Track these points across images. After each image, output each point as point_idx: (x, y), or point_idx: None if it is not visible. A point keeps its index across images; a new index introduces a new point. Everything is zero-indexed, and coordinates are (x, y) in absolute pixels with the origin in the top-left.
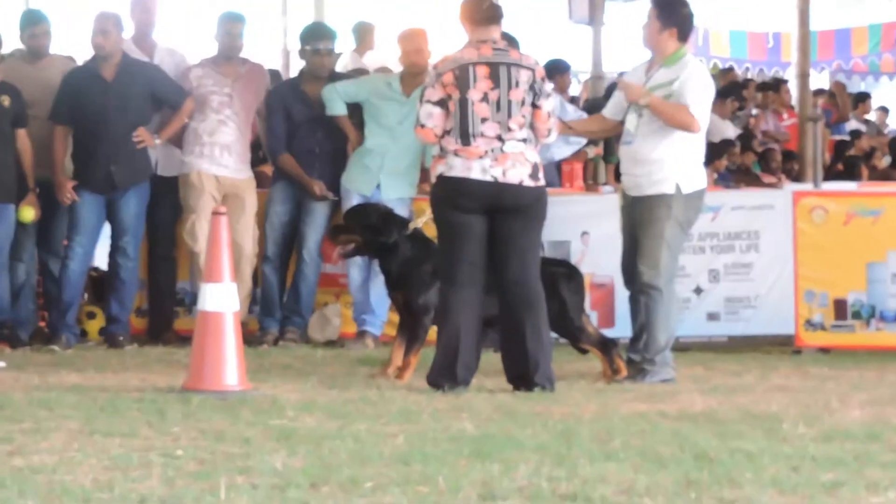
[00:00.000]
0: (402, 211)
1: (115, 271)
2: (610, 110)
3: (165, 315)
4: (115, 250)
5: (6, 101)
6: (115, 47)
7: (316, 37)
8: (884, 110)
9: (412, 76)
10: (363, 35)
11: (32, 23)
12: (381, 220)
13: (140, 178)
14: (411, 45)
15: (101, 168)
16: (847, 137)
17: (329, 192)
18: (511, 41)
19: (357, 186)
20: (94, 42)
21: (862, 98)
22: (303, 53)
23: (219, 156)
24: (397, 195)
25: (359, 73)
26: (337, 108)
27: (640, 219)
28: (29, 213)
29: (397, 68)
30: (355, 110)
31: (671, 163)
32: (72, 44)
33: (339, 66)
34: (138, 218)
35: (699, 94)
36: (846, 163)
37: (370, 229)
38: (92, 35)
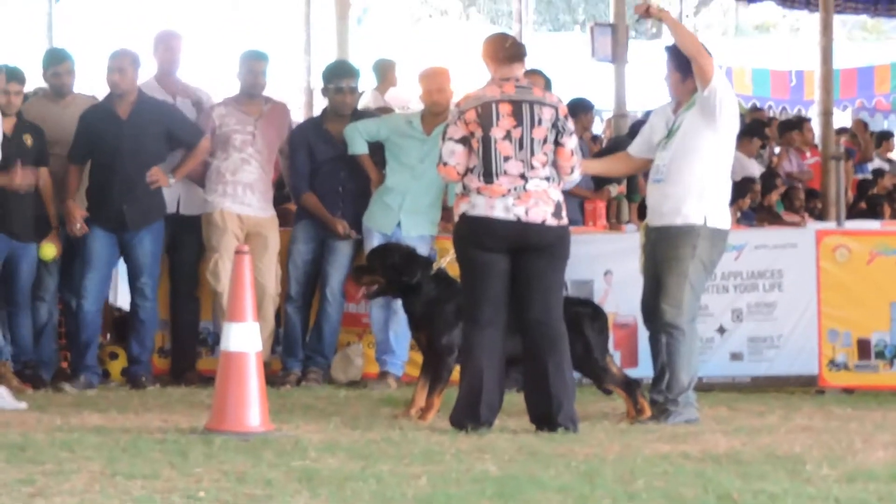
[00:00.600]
0: (422, 249)
1: (134, 312)
2: (636, 148)
3: (188, 355)
4: (133, 291)
5: (28, 139)
6: (131, 85)
7: (338, 75)
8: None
9: (433, 115)
10: (384, 72)
11: (56, 61)
12: (403, 259)
13: (153, 218)
14: (433, 83)
15: (113, 207)
16: (870, 176)
17: (352, 230)
18: (543, 79)
19: (378, 225)
20: (110, 80)
21: (885, 136)
22: (325, 92)
23: (242, 194)
24: (418, 233)
25: (382, 111)
26: (358, 147)
27: (663, 257)
28: (50, 251)
29: (418, 105)
30: (377, 149)
31: (699, 198)
32: (95, 83)
33: (362, 105)
34: (154, 257)
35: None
36: (869, 201)
37: (393, 269)
38: (108, 73)
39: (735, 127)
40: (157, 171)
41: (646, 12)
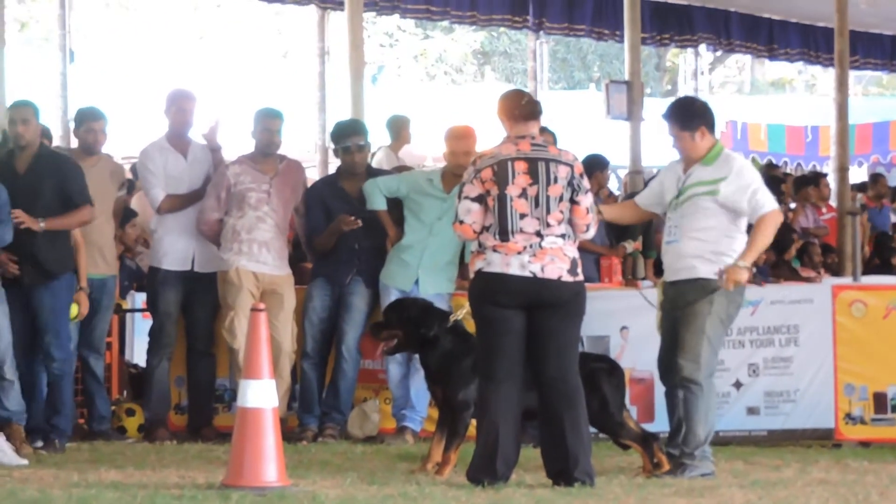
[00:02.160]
0: (441, 306)
1: (38, 375)
2: (644, 200)
3: (205, 411)
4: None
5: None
6: (34, 137)
7: (345, 135)
8: None
9: (455, 175)
10: (399, 129)
11: (92, 118)
12: (421, 313)
13: (51, 274)
14: (461, 146)
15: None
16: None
17: (356, 219)
18: (550, 136)
19: (395, 282)
20: (12, 132)
21: None
22: (335, 152)
23: (257, 252)
24: (436, 291)
25: (399, 170)
26: (377, 202)
27: (681, 313)
28: (74, 310)
29: (431, 162)
30: (394, 206)
31: (714, 254)
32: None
33: (375, 163)
34: (55, 313)
35: (765, 189)
36: (883, 257)
37: (411, 323)
38: (10, 125)
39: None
40: (20, 212)
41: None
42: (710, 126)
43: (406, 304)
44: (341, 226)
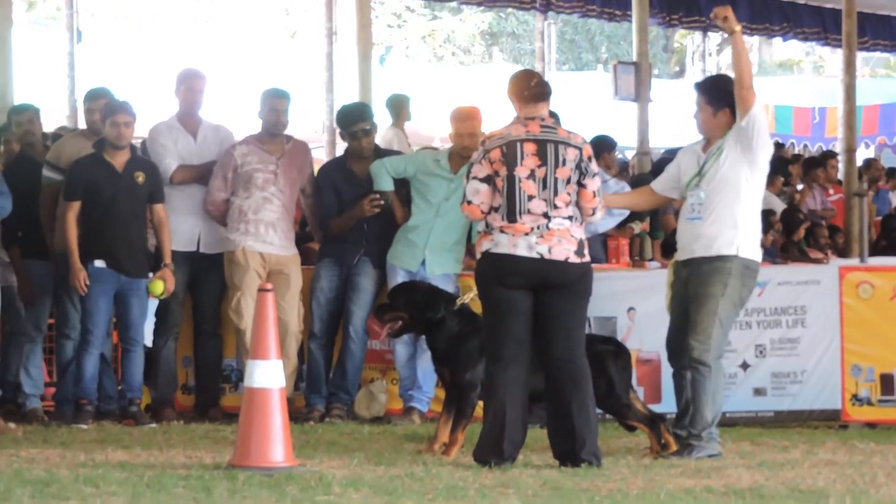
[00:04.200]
0: (447, 287)
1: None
2: (661, 185)
3: (212, 392)
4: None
5: (140, 177)
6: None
7: (350, 120)
8: None
9: (461, 156)
10: (398, 108)
11: (99, 97)
12: (426, 296)
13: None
14: (466, 127)
15: None
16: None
17: (377, 200)
18: (553, 117)
19: (402, 262)
20: (114, 132)
21: None
22: (342, 136)
23: (264, 233)
24: (442, 271)
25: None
26: (384, 183)
27: (694, 293)
28: (159, 287)
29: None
30: (402, 186)
31: (733, 232)
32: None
33: (384, 143)
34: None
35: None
36: (892, 238)
37: (416, 306)
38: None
39: (768, 158)
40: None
41: (725, 19)
42: (734, 109)
43: (411, 287)
44: (365, 207)
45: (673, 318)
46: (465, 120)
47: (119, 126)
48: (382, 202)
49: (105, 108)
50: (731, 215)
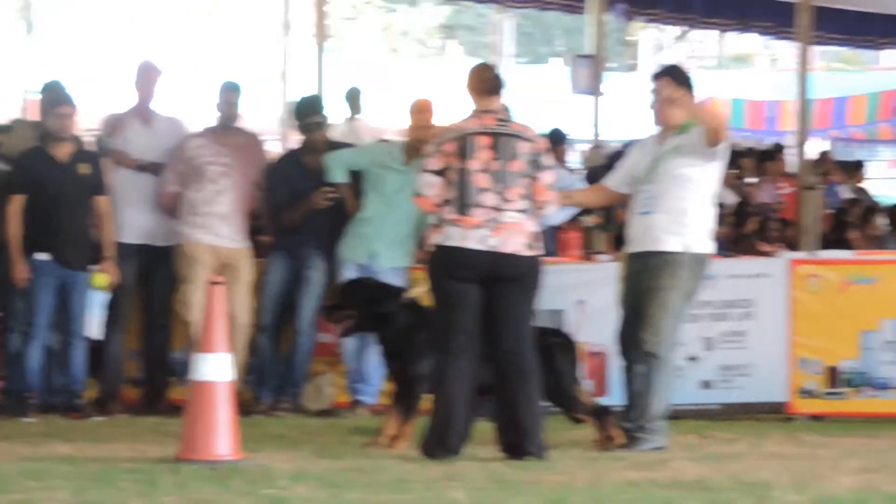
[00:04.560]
0: (398, 280)
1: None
2: (615, 181)
3: (159, 384)
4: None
5: (85, 169)
6: None
7: (304, 113)
8: None
9: (415, 148)
10: (356, 101)
11: (57, 103)
12: (375, 292)
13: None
14: (420, 119)
15: None
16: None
17: (330, 193)
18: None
19: (353, 255)
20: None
21: (857, 166)
22: (296, 128)
23: (215, 226)
24: (392, 264)
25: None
26: (338, 175)
27: (645, 287)
28: (101, 279)
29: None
30: (354, 178)
31: (683, 226)
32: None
33: (336, 134)
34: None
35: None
36: (840, 231)
37: (365, 303)
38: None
39: (726, 156)
40: None
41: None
42: (693, 98)
43: (360, 285)
44: (318, 199)
45: (624, 310)
46: (421, 112)
47: (62, 117)
48: (334, 195)
49: (47, 100)
50: (682, 209)
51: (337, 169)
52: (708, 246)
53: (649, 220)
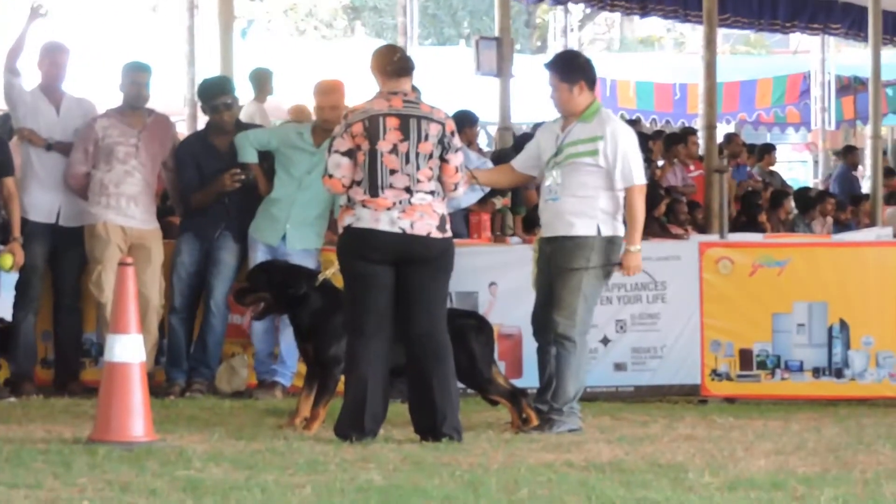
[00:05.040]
0: (308, 262)
1: None
2: (521, 163)
3: (71, 366)
4: None
5: None
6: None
7: (212, 94)
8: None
9: (324, 129)
10: (261, 82)
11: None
12: (286, 274)
13: None
14: (327, 100)
15: None
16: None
17: (240, 172)
18: (415, 91)
19: (263, 236)
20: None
21: (766, 150)
22: (204, 109)
23: (125, 206)
24: (303, 246)
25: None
26: (248, 155)
27: (557, 269)
28: (6, 260)
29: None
30: (265, 159)
31: (592, 210)
32: None
33: (245, 116)
34: None
35: (637, 157)
36: (750, 214)
37: (277, 285)
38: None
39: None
40: None
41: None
42: (590, 83)
43: (271, 267)
44: (226, 181)
45: (538, 293)
46: (327, 93)
47: None
48: (244, 177)
49: None
50: (589, 194)
51: (247, 149)
52: (619, 229)
53: (558, 206)
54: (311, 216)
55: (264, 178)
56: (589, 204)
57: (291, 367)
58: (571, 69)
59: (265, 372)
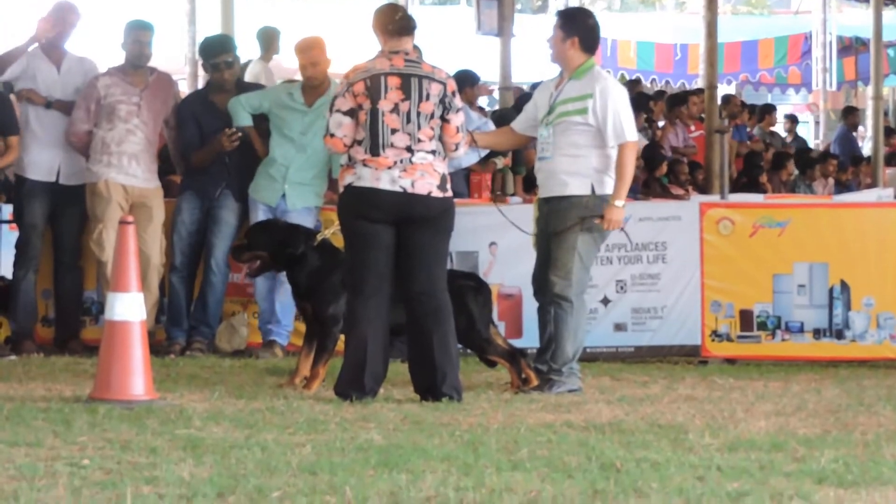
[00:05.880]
0: (307, 221)
1: None
2: (520, 124)
3: (71, 324)
4: None
5: None
6: None
7: (213, 52)
8: (792, 119)
9: (311, 87)
10: (268, 41)
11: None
12: (285, 233)
13: None
14: (306, 58)
15: None
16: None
17: (235, 135)
18: (416, 51)
19: (262, 197)
20: None
21: (767, 110)
22: (205, 67)
23: (126, 165)
24: (303, 205)
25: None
26: (242, 119)
27: (552, 229)
28: None
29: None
30: (263, 121)
31: (585, 169)
32: None
33: (250, 76)
34: None
35: (628, 113)
36: (753, 175)
37: (276, 244)
38: None
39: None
40: None
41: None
42: (585, 43)
43: (270, 226)
44: (223, 141)
45: (538, 253)
46: (306, 50)
47: None
48: (240, 136)
49: None
50: (581, 154)
51: (240, 113)
52: (612, 186)
53: (551, 165)
54: (309, 176)
55: (261, 140)
56: (581, 163)
57: (287, 325)
58: (570, 23)
59: (271, 332)
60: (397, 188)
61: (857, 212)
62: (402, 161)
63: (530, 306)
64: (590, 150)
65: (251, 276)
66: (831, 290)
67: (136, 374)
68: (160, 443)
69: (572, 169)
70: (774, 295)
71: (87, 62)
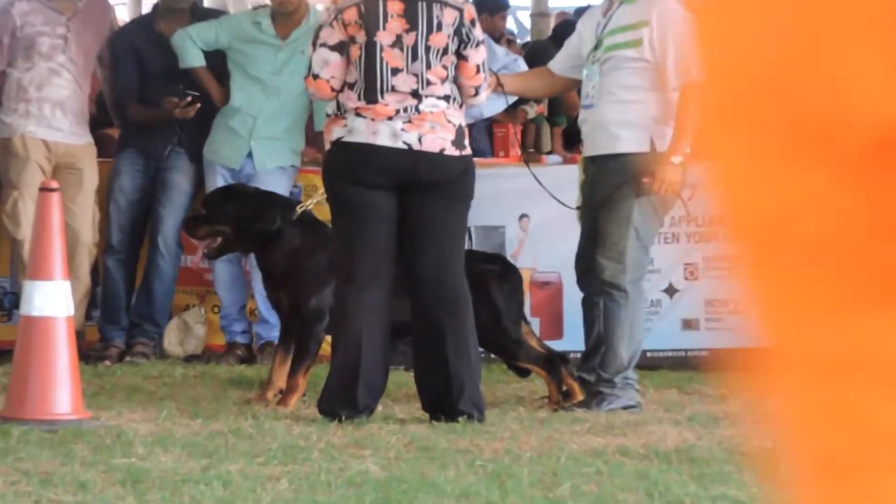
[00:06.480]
0: (281, 186)
1: None
2: (559, 64)
3: None
4: None
5: None
6: None
7: None
8: None
9: (283, 14)
10: None
11: None
12: (255, 202)
13: None
14: None
15: None
16: None
17: (190, 99)
18: None
19: (222, 157)
20: None
21: None
22: None
23: (49, 115)
24: (275, 165)
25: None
26: (192, 58)
27: (600, 198)
28: None
29: None
30: (219, 59)
31: (641, 119)
32: None
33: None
34: None
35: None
36: None
37: (241, 217)
38: None
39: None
40: None
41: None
42: None
43: (235, 192)
44: (175, 112)
45: (583, 227)
46: None
47: None
48: (197, 104)
49: None
50: (636, 98)
51: (189, 50)
52: None
53: (597, 115)
54: (282, 128)
55: (217, 85)
56: (636, 111)
57: (276, 324)
58: None
59: (236, 332)
60: (400, 144)
61: None
62: (406, 109)
63: (573, 297)
64: (648, 94)
65: (210, 257)
66: None
67: (61, 386)
68: (92, 475)
69: (625, 119)
70: None
71: None
